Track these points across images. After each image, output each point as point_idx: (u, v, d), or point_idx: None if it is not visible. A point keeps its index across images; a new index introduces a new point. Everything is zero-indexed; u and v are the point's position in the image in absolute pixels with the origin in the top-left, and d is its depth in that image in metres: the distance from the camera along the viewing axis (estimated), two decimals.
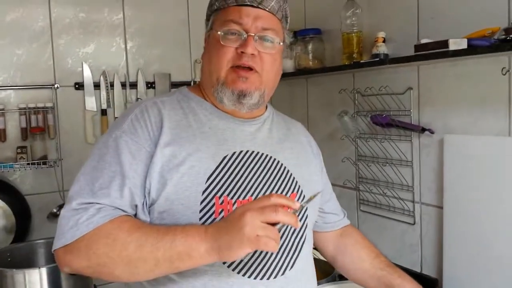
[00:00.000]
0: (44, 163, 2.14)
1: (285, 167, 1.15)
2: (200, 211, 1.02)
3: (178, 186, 1.02)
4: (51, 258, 1.91)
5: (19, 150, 2.12)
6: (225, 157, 1.07)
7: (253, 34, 1.08)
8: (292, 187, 1.14)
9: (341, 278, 1.79)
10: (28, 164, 2.11)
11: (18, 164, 2.09)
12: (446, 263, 1.68)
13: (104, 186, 0.99)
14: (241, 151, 1.10)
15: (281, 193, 1.11)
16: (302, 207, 0.92)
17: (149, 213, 1.04)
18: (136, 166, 1.02)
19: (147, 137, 1.04)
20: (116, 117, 2.31)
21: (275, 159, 1.14)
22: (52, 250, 0.98)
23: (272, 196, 0.89)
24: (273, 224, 0.87)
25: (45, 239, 1.99)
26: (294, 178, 1.16)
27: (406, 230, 1.86)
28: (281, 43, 1.14)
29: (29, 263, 1.90)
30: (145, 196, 1.03)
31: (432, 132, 1.72)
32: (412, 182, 1.82)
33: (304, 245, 1.14)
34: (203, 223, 1.01)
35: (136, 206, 1.03)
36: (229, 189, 1.05)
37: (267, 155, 1.13)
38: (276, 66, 1.14)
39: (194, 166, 1.04)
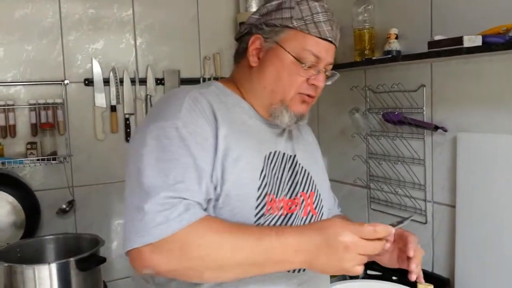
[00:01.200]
0: (54, 159, 2.13)
1: (302, 167, 1.18)
2: (256, 207, 1.03)
3: (238, 182, 1.01)
4: (60, 254, 1.92)
5: (29, 146, 2.12)
6: (266, 156, 1.09)
7: (325, 70, 1.12)
8: (311, 186, 1.18)
9: (352, 277, 1.78)
10: (38, 160, 2.11)
11: (28, 160, 2.09)
12: (458, 263, 1.66)
13: (180, 180, 0.93)
14: (275, 152, 1.13)
15: (303, 191, 1.15)
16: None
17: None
18: (206, 159, 0.98)
19: (208, 128, 1.01)
20: (127, 113, 2.31)
21: (297, 160, 1.17)
22: (129, 247, 0.90)
23: (376, 231, 0.91)
24: None
25: (55, 235, 1.99)
26: (311, 177, 1.19)
27: (417, 229, 1.84)
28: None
29: (38, 259, 1.90)
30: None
31: (445, 130, 1.69)
32: (424, 180, 1.80)
33: None
34: (257, 220, 1.02)
35: (209, 200, 1.00)
36: (274, 187, 1.08)
37: (290, 155, 1.16)
38: None
39: (249, 162, 1.04)
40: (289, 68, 1.09)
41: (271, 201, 1.05)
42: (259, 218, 1.03)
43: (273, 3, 1.12)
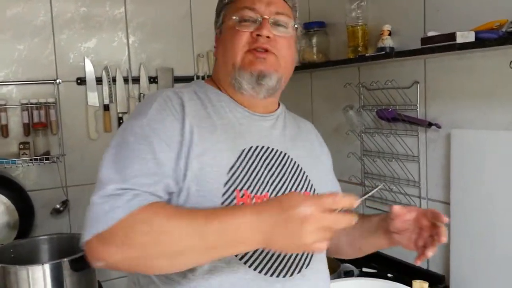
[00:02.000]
0: (47, 159, 2.12)
1: (298, 165, 1.14)
2: (222, 203, 0.99)
3: (200, 177, 0.99)
4: (54, 255, 1.91)
5: (21, 146, 2.11)
6: (243, 151, 1.06)
7: (268, 17, 1.08)
8: (306, 185, 1.14)
9: (347, 274, 1.78)
10: (31, 160, 2.10)
11: (20, 160, 2.08)
12: (453, 260, 1.66)
13: (138, 174, 0.93)
14: (257, 146, 1.09)
15: (295, 190, 1.10)
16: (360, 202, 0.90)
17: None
18: (167, 154, 0.98)
19: (175, 125, 1.01)
20: (120, 112, 2.30)
21: (289, 156, 1.13)
22: (83, 242, 0.89)
23: (336, 199, 0.85)
24: None
25: (49, 235, 1.98)
26: (307, 176, 1.15)
27: None
28: (296, 26, 1.14)
29: (32, 259, 1.89)
30: (183, 181, 0.99)
31: (439, 127, 1.69)
32: (418, 177, 1.80)
33: None
34: None
35: (171, 194, 0.99)
36: (249, 183, 1.03)
37: (281, 152, 1.12)
38: (292, 53, 1.14)
39: (216, 157, 1.02)
40: (231, 30, 1.10)
41: (242, 196, 1.01)
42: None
43: None
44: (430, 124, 1.71)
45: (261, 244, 0.86)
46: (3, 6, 2.10)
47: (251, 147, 1.07)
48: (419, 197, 1.80)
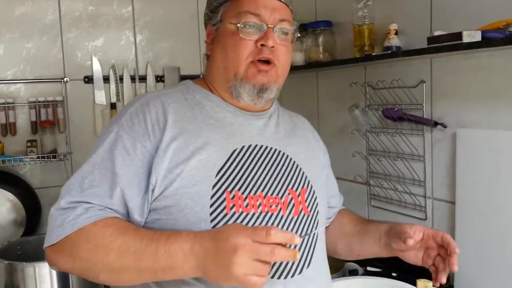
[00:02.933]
0: (54, 157, 2.14)
1: (294, 161, 1.12)
2: (211, 206, 0.98)
3: (187, 180, 0.98)
4: None
5: (29, 144, 2.13)
6: (234, 151, 1.04)
7: (272, 26, 1.05)
8: (303, 182, 1.12)
9: (351, 273, 1.78)
10: (38, 157, 2.12)
11: (28, 157, 2.10)
12: (457, 259, 1.65)
13: (94, 184, 0.96)
14: (250, 145, 1.07)
15: (292, 188, 1.08)
16: (302, 240, 0.89)
17: (150, 210, 0.99)
18: (130, 163, 0.98)
19: (144, 132, 1.00)
20: None
21: (284, 153, 1.12)
22: (43, 247, 0.97)
23: (270, 235, 0.81)
24: None
25: None
26: (304, 172, 1.13)
27: None
28: (297, 34, 1.13)
29: (39, 256, 1.89)
30: (147, 193, 0.98)
31: (444, 126, 1.69)
32: (424, 177, 1.80)
33: (317, 242, 1.11)
34: (214, 218, 0.97)
35: (128, 206, 0.98)
36: (240, 183, 1.02)
37: (275, 150, 1.11)
38: (289, 59, 1.13)
39: (203, 159, 1.00)
40: (232, 37, 1.06)
41: (233, 198, 1.00)
42: (217, 216, 0.98)
43: None
44: (436, 124, 1.71)
45: (195, 272, 0.87)
46: (11, 5, 2.13)
47: (243, 147, 1.06)
48: (425, 196, 1.80)
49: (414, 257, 1.10)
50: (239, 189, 1.01)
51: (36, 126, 2.15)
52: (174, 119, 1.03)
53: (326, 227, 1.24)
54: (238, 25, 1.05)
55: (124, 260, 0.89)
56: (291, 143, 1.15)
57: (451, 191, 1.69)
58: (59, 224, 0.93)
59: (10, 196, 2.03)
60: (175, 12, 2.41)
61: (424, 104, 1.76)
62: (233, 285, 0.84)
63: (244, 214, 0.99)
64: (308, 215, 1.08)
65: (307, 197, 1.10)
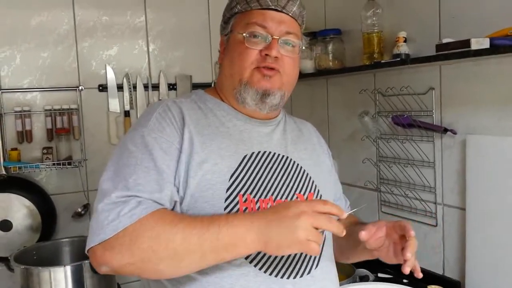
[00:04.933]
0: (69, 164, 2.18)
1: (301, 167, 1.16)
2: (225, 208, 1.02)
3: (202, 183, 1.01)
4: (76, 257, 1.96)
5: (45, 151, 2.17)
6: (245, 157, 1.08)
7: (278, 37, 1.10)
8: (310, 186, 1.15)
9: (362, 279, 1.79)
10: (54, 164, 2.16)
11: (44, 164, 2.14)
12: (469, 266, 1.65)
13: (140, 182, 0.97)
14: (259, 152, 1.11)
15: (299, 192, 1.12)
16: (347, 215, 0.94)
17: None
18: (169, 162, 1.01)
19: (175, 134, 1.04)
20: None
21: (291, 159, 1.15)
22: (87, 248, 0.94)
23: (327, 203, 0.90)
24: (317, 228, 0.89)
25: (70, 238, 2.03)
26: (310, 177, 1.17)
27: (428, 232, 1.84)
28: (302, 47, 1.17)
29: (54, 261, 1.94)
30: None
31: (454, 133, 1.70)
32: (434, 183, 1.80)
33: (325, 243, 1.15)
34: None
35: (175, 202, 1.02)
36: (251, 187, 1.05)
37: (283, 156, 1.15)
38: (296, 71, 1.17)
39: (217, 163, 1.04)
40: (239, 46, 1.11)
41: (245, 201, 1.03)
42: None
43: (226, 3, 1.19)
44: (445, 130, 1.71)
45: (257, 244, 0.90)
46: (28, 15, 2.18)
47: (253, 153, 1.10)
48: (435, 203, 1.80)
49: (385, 255, 1.11)
50: (251, 193, 1.05)
51: (51, 134, 2.20)
52: (191, 123, 1.07)
53: None
54: (245, 34, 1.10)
55: (189, 242, 0.90)
56: (297, 149, 1.20)
57: (462, 197, 1.69)
58: (113, 218, 0.91)
59: (26, 202, 2.07)
60: (187, 21, 2.45)
61: (433, 111, 1.77)
62: (293, 251, 0.90)
63: None
64: None
65: None
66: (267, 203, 1.06)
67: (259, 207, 1.04)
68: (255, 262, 1.02)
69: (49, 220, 2.14)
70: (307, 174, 1.17)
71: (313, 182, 1.17)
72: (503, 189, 1.52)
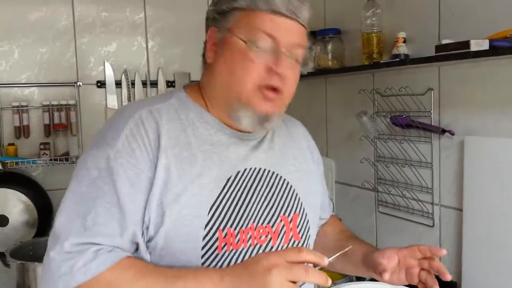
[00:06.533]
0: (66, 159, 2.18)
1: (287, 183, 1.05)
2: (203, 248, 0.91)
3: (178, 221, 0.89)
4: None
5: (42, 146, 2.17)
6: (228, 180, 0.96)
7: (286, 51, 0.94)
8: (295, 206, 1.05)
9: (358, 279, 1.79)
10: (51, 160, 2.16)
11: (41, 160, 2.14)
12: (465, 266, 1.66)
13: (100, 222, 0.84)
14: (245, 170, 0.99)
15: (284, 214, 1.02)
16: (329, 262, 0.85)
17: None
18: (135, 196, 0.87)
19: (146, 159, 0.89)
20: None
21: (277, 175, 1.04)
22: None
23: (302, 252, 0.81)
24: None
25: None
26: (297, 195, 1.06)
27: (424, 232, 1.85)
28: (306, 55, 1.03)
29: None
30: (143, 232, 0.89)
31: (452, 134, 1.70)
32: (431, 184, 1.81)
33: None
34: (205, 261, 0.91)
35: (137, 243, 0.89)
36: (232, 218, 0.94)
37: (269, 171, 1.03)
38: (296, 84, 1.01)
39: (196, 194, 0.91)
40: (241, 54, 0.93)
41: (225, 236, 0.92)
42: (208, 258, 0.91)
43: None
44: (443, 131, 1.72)
45: None
46: (26, 10, 2.17)
47: (238, 172, 0.98)
48: (432, 203, 1.81)
49: (396, 280, 1.04)
50: (231, 226, 0.94)
51: (49, 129, 2.19)
52: (168, 144, 0.92)
53: None
54: (250, 44, 0.93)
55: None
56: (284, 160, 1.08)
57: (459, 198, 1.70)
58: (65, 271, 0.81)
59: (23, 197, 2.07)
60: (186, 19, 2.44)
61: (432, 112, 1.77)
62: None
63: (233, 251, 0.94)
64: (299, 242, 1.04)
65: (299, 222, 1.05)
66: (248, 233, 0.95)
67: (238, 240, 0.94)
68: None
69: (45, 215, 2.13)
70: (294, 191, 1.06)
71: (299, 199, 1.06)
72: (500, 190, 1.53)
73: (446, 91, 1.73)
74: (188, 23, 2.45)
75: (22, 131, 2.16)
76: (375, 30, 1.91)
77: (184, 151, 0.93)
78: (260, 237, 0.97)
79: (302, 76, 1.07)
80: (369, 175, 2.11)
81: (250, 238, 0.95)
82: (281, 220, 1.00)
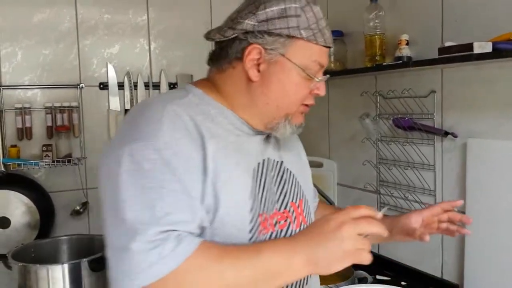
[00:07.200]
0: (69, 161, 2.18)
1: (290, 172, 1.12)
2: (250, 231, 0.96)
3: (231, 207, 0.93)
4: (74, 255, 1.95)
5: (44, 148, 2.16)
6: (254, 170, 1.01)
7: (326, 76, 1.06)
8: (299, 193, 1.13)
9: (360, 281, 1.79)
10: (53, 162, 2.15)
11: (43, 161, 2.14)
12: (467, 269, 1.65)
13: (170, 211, 0.84)
14: (263, 160, 1.05)
15: (292, 201, 1.09)
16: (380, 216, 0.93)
17: None
18: (195, 184, 0.89)
19: (195, 148, 0.91)
20: None
21: (283, 165, 1.11)
22: None
23: (360, 207, 0.90)
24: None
25: (68, 236, 2.02)
26: (298, 182, 1.14)
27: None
28: None
29: (52, 259, 1.94)
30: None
31: (455, 136, 1.70)
32: (434, 186, 1.81)
33: None
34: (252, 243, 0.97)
35: (203, 228, 0.91)
36: (263, 204, 1.00)
37: (278, 162, 1.10)
38: None
39: (239, 182, 0.96)
40: (297, 82, 1.00)
41: (264, 220, 0.99)
42: (253, 241, 0.97)
43: (273, 9, 0.97)
44: (446, 133, 1.72)
45: (308, 267, 0.87)
46: (29, 12, 2.17)
47: (258, 164, 1.03)
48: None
49: (418, 237, 1.21)
50: (266, 211, 1.01)
51: (51, 131, 2.19)
52: (207, 134, 0.94)
53: None
54: (307, 71, 1.00)
55: (241, 277, 0.85)
56: (285, 151, 1.15)
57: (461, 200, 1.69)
58: (154, 260, 0.80)
59: (25, 199, 2.07)
60: (188, 21, 2.45)
61: (434, 114, 1.77)
62: (345, 265, 0.87)
63: (267, 235, 1.00)
64: (306, 225, 1.11)
65: (304, 207, 1.13)
66: (273, 218, 1.02)
67: (269, 224, 1.00)
68: None
69: (47, 217, 2.13)
70: (296, 179, 1.13)
71: (300, 187, 1.14)
72: (503, 193, 1.52)
73: (449, 93, 1.73)
74: (191, 25, 2.45)
75: (24, 132, 2.16)
76: (378, 32, 1.91)
77: (220, 141, 0.96)
78: (280, 221, 1.03)
79: None
80: (371, 177, 2.10)
81: (276, 223, 1.02)
82: (291, 206, 1.08)
